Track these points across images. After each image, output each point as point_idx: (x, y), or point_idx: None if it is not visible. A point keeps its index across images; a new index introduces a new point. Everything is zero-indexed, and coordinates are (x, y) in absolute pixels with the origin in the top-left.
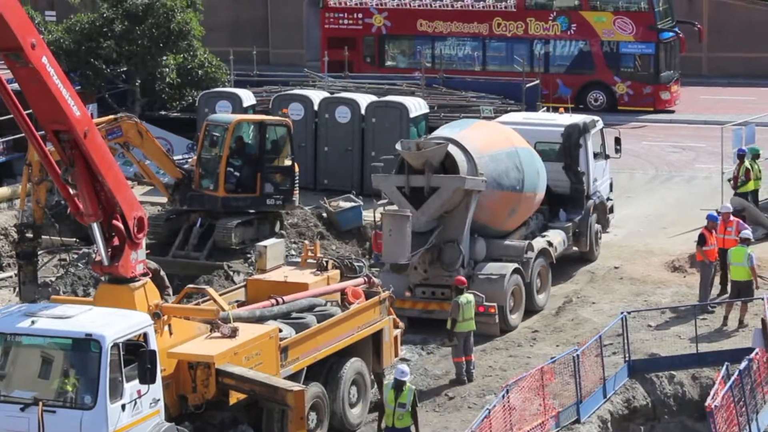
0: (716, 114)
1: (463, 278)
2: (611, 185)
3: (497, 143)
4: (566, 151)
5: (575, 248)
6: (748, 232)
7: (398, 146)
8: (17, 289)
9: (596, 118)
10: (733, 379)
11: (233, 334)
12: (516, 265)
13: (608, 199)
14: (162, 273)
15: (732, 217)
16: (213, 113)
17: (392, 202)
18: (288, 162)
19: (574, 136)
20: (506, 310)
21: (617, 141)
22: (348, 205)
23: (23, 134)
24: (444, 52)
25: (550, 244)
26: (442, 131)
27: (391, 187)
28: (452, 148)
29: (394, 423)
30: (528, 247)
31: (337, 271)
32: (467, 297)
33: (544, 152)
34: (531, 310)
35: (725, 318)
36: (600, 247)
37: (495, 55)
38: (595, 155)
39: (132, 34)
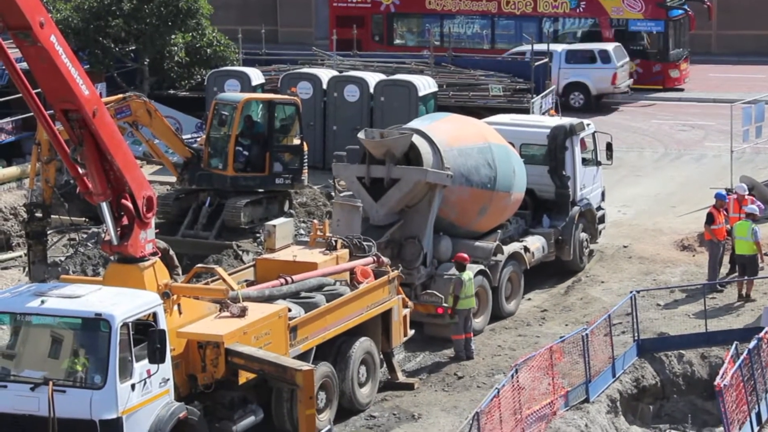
0: (726, 92)
1: (465, 255)
2: (603, 194)
3: (468, 138)
4: (551, 154)
5: (558, 256)
6: (754, 207)
7: (361, 135)
8: (27, 269)
9: (587, 121)
10: (742, 358)
11: (242, 313)
12: (481, 267)
13: (599, 208)
14: (171, 252)
15: (747, 196)
16: (222, 92)
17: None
18: (297, 141)
19: (559, 138)
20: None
21: (609, 147)
22: None
23: (32, 113)
24: (453, 30)
25: (526, 249)
26: (413, 122)
27: (351, 176)
28: (417, 139)
29: None
30: (497, 249)
31: (346, 251)
32: (469, 274)
33: (529, 154)
34: (499, 316)
35: (740, 294)
36: (587, 257)
37: (504, 33)
38: (586, 161)
39: (140, 13)
